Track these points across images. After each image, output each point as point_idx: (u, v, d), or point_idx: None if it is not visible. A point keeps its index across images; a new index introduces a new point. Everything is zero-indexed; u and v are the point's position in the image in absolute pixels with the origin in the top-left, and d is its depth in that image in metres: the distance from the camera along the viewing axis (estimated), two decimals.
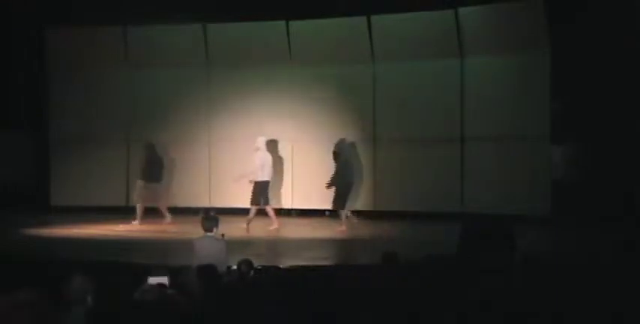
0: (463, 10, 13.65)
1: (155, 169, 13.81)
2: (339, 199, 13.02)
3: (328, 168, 14.51)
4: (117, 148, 15.34)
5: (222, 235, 8.54)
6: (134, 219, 13.54)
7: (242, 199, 13.66)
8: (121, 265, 9.26)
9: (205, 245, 8.21)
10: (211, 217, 8.63)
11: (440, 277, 5.75)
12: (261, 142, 13.24)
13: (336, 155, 13.26)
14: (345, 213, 13.09)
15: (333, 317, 4.87)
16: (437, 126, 13.87)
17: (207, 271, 6.68)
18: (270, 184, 13.24)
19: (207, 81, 15.19)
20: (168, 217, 13.74)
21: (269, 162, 13.20)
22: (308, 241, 11.93)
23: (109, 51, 15.36)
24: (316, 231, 13.04)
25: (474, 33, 13.63)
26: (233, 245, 8.96)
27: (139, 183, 13.76)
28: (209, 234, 8.30)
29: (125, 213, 14.00)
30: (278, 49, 14.74)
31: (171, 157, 14.88)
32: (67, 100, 15.54)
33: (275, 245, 11.93)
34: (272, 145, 14.15)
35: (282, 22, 14.69)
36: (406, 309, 4.90)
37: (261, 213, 13.08)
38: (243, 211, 13.41)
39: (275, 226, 12.91)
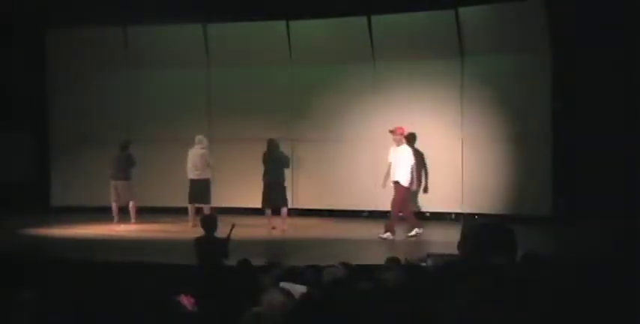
0: (463, 10, 13.64)
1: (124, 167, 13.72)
2: (265, 198, 13.02)
3: (328, 167, 14.55)
4: (117, 148, 15.29)
5: (233, 225, 8.34)
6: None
7: (242, 198, 13.65)
8: (120, 265, 9.26)
9: (205, 244, 8.22)
10: (210, 216, 8.60)
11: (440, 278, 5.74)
12: (198, 140, 13.46)
13: (266, 155, 13.19)
14: (269, 212, 13.05)
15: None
16: (437, 126, 13.84)
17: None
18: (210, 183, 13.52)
19: (207, 81, 15.18)
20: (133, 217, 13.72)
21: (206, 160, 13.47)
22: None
23: (109, 51, 15.36)
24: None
25: (474, 33, 13.62)
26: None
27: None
28: (208, 233, 8.30)
29: (126, 213, 13.97)
30: (278, 49, 14.73)
31: (171, 156, 14.88)
32: (67, 100, 15.54)
33: None
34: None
35: (282, 22, 14.69)
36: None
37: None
38: (243, 212, 13.42)
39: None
